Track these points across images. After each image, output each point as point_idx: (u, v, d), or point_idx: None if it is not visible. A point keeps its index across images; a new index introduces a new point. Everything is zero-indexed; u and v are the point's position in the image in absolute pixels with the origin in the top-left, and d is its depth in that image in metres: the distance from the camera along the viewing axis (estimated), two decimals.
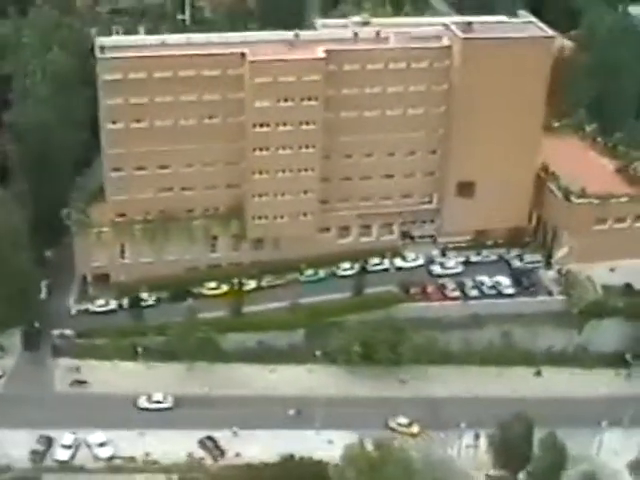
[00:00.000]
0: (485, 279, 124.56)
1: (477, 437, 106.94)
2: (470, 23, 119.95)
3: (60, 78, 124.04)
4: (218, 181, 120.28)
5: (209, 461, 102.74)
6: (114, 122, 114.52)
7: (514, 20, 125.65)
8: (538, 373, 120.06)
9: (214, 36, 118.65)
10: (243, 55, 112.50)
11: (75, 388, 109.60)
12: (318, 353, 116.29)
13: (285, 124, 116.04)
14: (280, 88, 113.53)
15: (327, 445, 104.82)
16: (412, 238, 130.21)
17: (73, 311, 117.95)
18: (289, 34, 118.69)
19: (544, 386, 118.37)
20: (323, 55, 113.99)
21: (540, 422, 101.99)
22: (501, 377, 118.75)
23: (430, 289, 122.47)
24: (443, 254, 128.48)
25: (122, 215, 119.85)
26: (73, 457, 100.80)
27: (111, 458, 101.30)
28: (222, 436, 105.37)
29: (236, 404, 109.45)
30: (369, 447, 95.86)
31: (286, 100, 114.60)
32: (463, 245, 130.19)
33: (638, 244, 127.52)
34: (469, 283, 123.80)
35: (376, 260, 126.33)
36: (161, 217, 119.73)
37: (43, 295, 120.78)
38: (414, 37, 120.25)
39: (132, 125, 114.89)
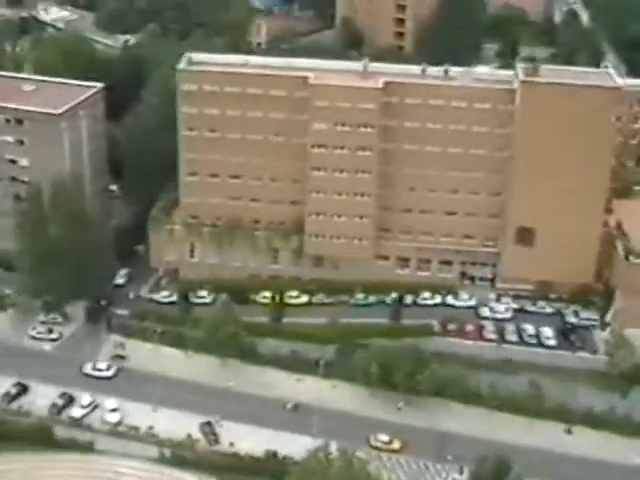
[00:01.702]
0: (528, 327, 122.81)
1: (461, 471, 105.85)
2: (536, 68, 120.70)
3: (168, 91, 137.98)
4: (283, 196, 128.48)
5: (203, 444, 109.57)
6: (190, 129, 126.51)
7: (589, 69, 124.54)
8: (569, 431, 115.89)
9: (294, 61, 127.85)
10: (306, 79, 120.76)
11: (114, 361, 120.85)
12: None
13: (342, 148, 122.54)
14: (337, 113, 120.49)
15: None
16: (472, 279, 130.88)
17: (131, 296, 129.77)
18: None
19: (570, 444, 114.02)
20: (379, 85, 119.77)
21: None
22: (526, 427, 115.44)
23: (468, 327, 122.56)
24: (497, 299, 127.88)
25: (195, 217, 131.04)
26: (85, 416, 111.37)
27: (117, 424, 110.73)
28: (224, 426, 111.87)
29: (251, 401, 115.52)
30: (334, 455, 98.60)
31: (343, 125, 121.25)
32: (523, 294, 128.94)
33: None
34: (510, 328, 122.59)
35: (427, 294, 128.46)
36: (228, 223, 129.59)
37: (121, 281, 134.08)
38: (478, 78, 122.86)
39: (206, 134, 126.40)
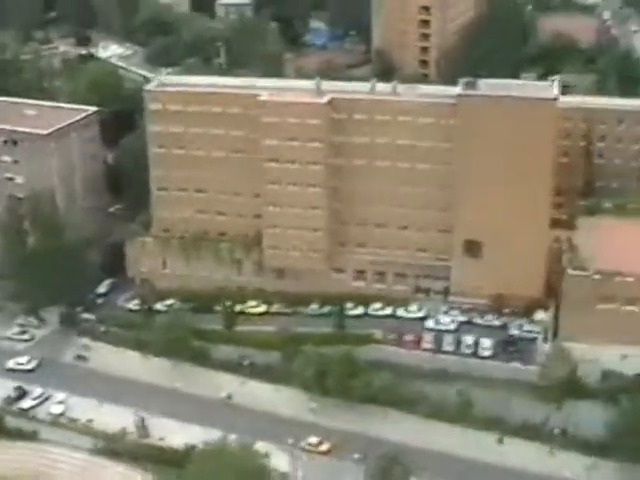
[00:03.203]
0: (468, 338, 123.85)
1: None
2: (474, 81, 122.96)
3: None
4: (245, 210, 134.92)
5: (134, 437, 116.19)
6: (159, 147, 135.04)
7: (532, 82, 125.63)
8: (500, 440, 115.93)
9: (256, 80, 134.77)
10: (256, 96, 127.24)
11: (76, 361, 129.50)
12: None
13: (293, 162, 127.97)
14: (286, 128, 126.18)
15: None
16: (427, 292, 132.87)
17: (99, 301, 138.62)
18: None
19: (501, 454, 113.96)
20: (324, 101, 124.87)
21: None
22: (458, 436, 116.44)
23: (407, 337, 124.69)
24: (446, 312, 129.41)
25: (166, 230, 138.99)
26: (33, 407, 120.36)
27: (60, 415, 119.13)
28: (158, 422, 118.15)
29: (193, 400, 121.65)
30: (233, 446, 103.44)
31: (292, 140, 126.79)
32: (478, 307, 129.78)
33: None
34: (448, 338, 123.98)
35: (378, 305, 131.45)
36: (195, 236, 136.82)
37: (104, 290, 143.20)
38: (424, 93, 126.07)
39: (173, 151, 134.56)
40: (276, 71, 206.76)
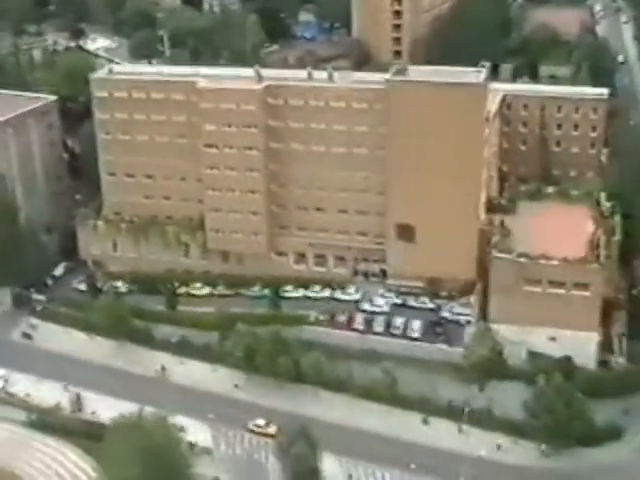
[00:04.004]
0: (398, 319, 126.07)
1: None
2: (405, 68, 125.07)
3: None
4: (190, 194, 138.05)
5: (67, 412, 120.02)
6: (106, 133, 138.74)
7: (462, 69, 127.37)
8: (425, 421, 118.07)
9: (201, 69, 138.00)
10: (194, 83, 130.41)
11: (22, 339, 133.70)
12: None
13: (231, 147, 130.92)
14: (223, 114, 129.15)
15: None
16: (366, 275, 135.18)
17: (50, 282, 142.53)
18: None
19: (425, 433, 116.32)
20: (259, 87, 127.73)
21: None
22: (385, 415, 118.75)
23: (339, 318, 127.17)
24: (382, 294, 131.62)
25: (117, 214, 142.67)
26: None
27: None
28: (94, 397, 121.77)
29: (131, 378, 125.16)
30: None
31: (229, 126, 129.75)
32: (412, 290, 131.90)
33: (580, 314, 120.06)
34: (379, 319, 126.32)
35: (317, 288, 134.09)
36: (143, 220, 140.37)
37: (59, 272, 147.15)
38: (358, 80, 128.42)
39: (119, 137, 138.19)
40: (254, 63, 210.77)
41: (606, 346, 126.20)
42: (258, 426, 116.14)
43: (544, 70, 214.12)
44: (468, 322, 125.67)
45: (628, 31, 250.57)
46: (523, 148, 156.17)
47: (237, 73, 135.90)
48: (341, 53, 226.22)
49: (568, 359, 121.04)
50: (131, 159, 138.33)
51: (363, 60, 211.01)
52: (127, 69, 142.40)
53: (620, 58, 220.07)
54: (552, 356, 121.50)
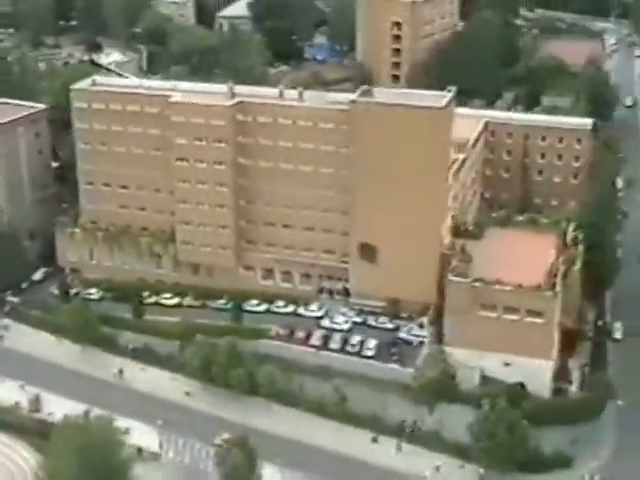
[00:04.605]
0: (354, 337, 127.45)
1: None
2: (370, 89, 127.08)
3: None
4: (163, 206, 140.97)
5: (25, 411, 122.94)
6: (85, 143, 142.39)
7: (428, 92, 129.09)
8: (375, 439, 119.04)
9: (179, 84, 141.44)
10: (168, 97, 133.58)
11: None
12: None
13: (201, 161, 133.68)
14: (193, 128, 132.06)
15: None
16: (330, 293, 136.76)
17: (24, 285, 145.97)
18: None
19: (373, 452, 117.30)
20: (229, 104, 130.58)
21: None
22: (335, 431, 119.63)
23: (298, 334, 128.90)
24: (343, 312, 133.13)
25: (93, 222, 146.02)
26: None
27: None
28: (53, 399, 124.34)
29: (92, 382, 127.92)
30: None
31: (200, 140, 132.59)
32: (377, 310, 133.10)
33: (534, 342, 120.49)
34: (336, 337, 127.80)
35: (281, 303, 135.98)
36: (117, 229, 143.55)
37: (38, 277, 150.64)
38: (327, 100, 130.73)
39: (97, 147, 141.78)
40: (257, 82, 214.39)
41: (563, 375, 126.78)
42: (226, 441, 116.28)
43: (546, 100, 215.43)
44: (422, 343, 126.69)
45: None
46: (506, 175, 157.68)
47: (212, 89, 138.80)
48: (348, 76, 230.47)
49: (521, 385, 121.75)
50: (108, 169, 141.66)
51: (366, 83, 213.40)
52: (110, 81, 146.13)
53: (628, 101, 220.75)
54: (505, 382, 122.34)
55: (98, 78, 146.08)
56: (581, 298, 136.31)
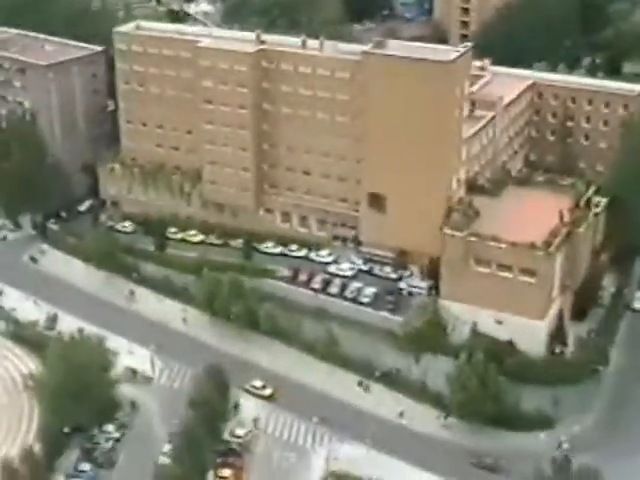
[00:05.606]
0: (354, 284, 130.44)
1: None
2: (383, 42, 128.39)
3: None
4: (194, 147, 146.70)
5: (41, 328, 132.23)
6: (125, 83, 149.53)
7: (441, 47, 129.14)
8: (360, 384, 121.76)
9: (215, 30, 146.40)
10: (196, 42, 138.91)
11: (29, 262, 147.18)
12: None
13: (225, 105, 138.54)
14: (218, 73, 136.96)
15: (128, 354, 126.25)
16: (344, 240, 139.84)
17: (69, 215, 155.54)
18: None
19: (362, 397, 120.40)
20: (251, 50, 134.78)
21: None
22: (327, 373, 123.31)
23: (300, 276, 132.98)
24: (351, 260, 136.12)
25: (133, 159, 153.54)
26: None
27: None
28: (69, 319, 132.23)
29: (110, 308, 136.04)
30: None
31: (224, 84, 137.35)
32: (384, 260, 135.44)
33: (527, 300, 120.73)
34: (336, 282, 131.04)
35: (294, 247, 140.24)
36: (152, 167, 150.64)
37: (84, 208, 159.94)
38: (344, 50, 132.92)
39: (136, 88, 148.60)
40: (336, 39, 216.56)
41: (560, 337, 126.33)
42: (254, 387, 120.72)
43: (628, 67, 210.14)
44: (418, 294, 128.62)
45: None
46: (551, 138, 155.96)
47: (243, 37, 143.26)
48: (423, 34, 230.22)
49: (510, 343, 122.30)
50: (145, 109, 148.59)
51: (439, 42, 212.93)
52: (153, 25, 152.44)
53: None
54: (496, 338, 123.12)
55: (142, 22, 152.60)
56: (599, 263, 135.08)
